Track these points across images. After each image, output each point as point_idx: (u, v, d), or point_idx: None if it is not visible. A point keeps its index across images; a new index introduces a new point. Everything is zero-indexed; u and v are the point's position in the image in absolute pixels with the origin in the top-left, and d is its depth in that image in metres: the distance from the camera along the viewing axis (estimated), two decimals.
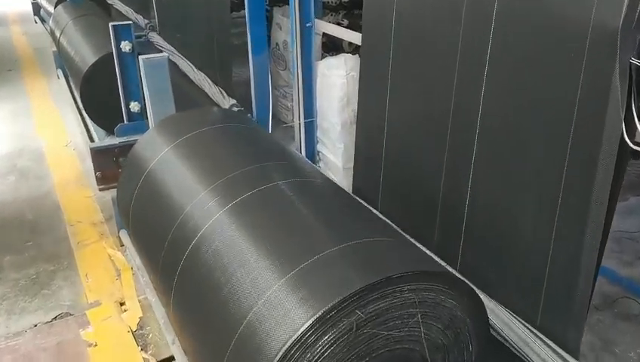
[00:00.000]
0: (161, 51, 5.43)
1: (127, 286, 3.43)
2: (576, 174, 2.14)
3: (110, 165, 4.31)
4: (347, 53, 4.19)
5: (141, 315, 3.18)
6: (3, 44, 9.49)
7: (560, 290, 2.32)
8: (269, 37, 5.23)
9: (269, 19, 5.34)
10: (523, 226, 2.43)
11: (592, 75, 1.97)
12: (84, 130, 5.13)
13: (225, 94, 4.56)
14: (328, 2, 5.80)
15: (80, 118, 5.31)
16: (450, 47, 2.64)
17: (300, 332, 1.56)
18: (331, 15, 5.57)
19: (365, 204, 3.22)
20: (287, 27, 5.03)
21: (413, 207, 3.06)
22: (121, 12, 7.23)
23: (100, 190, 4.27)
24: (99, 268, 3.62)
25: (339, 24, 4.88)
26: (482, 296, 2.58)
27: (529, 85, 2.28)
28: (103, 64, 4.72)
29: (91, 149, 4.34)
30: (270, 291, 1.72)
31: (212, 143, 2.81)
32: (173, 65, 5.18)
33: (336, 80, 3.77)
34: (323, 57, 4.25)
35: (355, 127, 3.67)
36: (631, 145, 1.84)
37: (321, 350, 1.60)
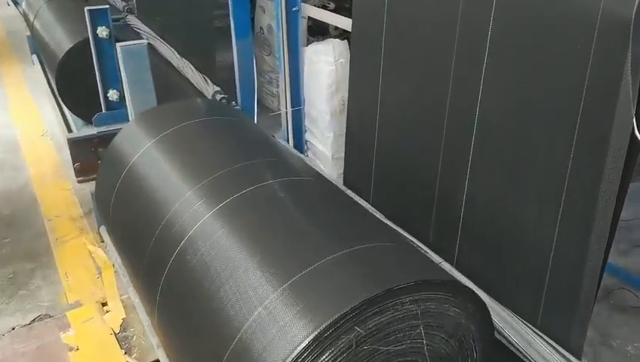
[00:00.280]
0: (140, 36, 5.23)
1: (109, 285, 3.29)
2: (582, 170, 2.04)
3: (89, 156, 4.15)
4: (333, 37, 4.04)
5: (124, 316, 3.05)
6: None
7: (563, 289, 2.23)
8: (252, 20, 5.05)
9: (253, 2, 5.15)
10: (524, 223, 2.33)
11: (600, 68, 1.86)
12: (61, 119, 4.92)
13: (208, 81, 4.40)
14: None
15: (57, 107, 5.09)
16: (447, 32, 2.50)
17: (297, 351, 1.44)
18: None
19: (360, 201, 3.11)
20: (271, 10, 4.85)
21: (407, 201, 2.95)
22: None
23: (79, 182, 4.11)
24: (79, 266, 3.47)
25: (324, 7, 4.71)
26: (480, 293, 2.50)
27: (532, 74, 2.17)
28: (79, 50, 4.51)
29: (68, 140, 4.17)
30: (264, 304, 1.60)
31: (197, 138, 2.66)
32: (153, 50, 4.98)
33: (324, 66, 3.63)
34: (308, 41, 4.09)
35: (344, 115, 3.54)
36: None
37: None
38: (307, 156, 4.00)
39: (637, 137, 1.76)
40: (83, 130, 4.50)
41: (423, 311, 1.59)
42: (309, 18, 3.91)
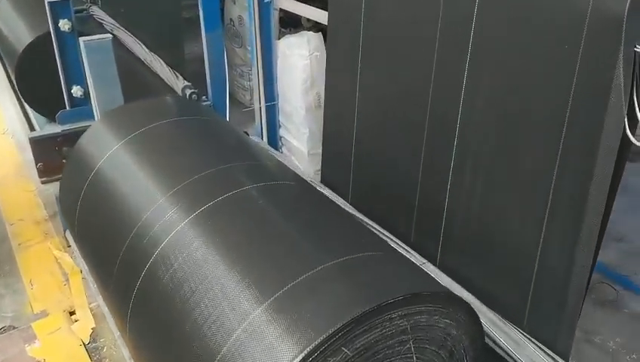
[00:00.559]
0: (104, 27, 5.01)
1: (77, 292, 3.13)
2: (570, 171, 1.98)
3: (53, 156, 3.97)
4: (306, 29, 3.93)
5: (94, 326, 2.90)
6: None
7: (550, 291, 2.18)
8: (222, 11, 4.89)
9: None
10: (509, 224, 2.27)
11: (589, 68, 1.79)
12: (23, 116, 4.69)
13: (178, 75, 4.24)
14: None
15: (18, 104, 4.86)
16: (429, 27, 2.41)
17: None
18: None
19: (338, 200, 3.02)
20: (242, 1, 4.70)
21: (387, 200, 2.87)
22: None
23: (43, 183, 3.94)
24: (44, 273, 3.30)
25: None
26: (465, 294, 2.44)
27: (517, 74, 2.10)
28: (40, 45, 4.29)
29: (30, 139, 3.99)
30: (242, 327, 1.50)
31: (168, 140, 2.53)
32: (118, 43, 4.78)
33: (299, 60, 3.51)
34: (280, 34, 3.97)
35: (320, 111, 3.44)
36: (635, 142, 1.68)
37: None
38: (282, 152, 3.89)
39: (629, 137, 1.71)
40: (46, 128, 4.29)
41: (412, 325, 1.52)
42: (281, 9, 3.79)
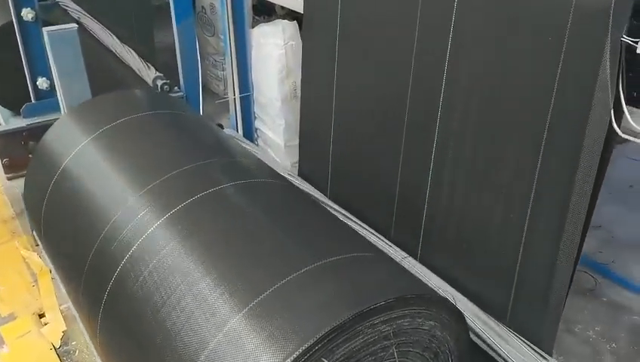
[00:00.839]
0: (69, 15, 4.84)
1: (47, 293, 3.02)
2: (554, 164, 1.93)
3: (19, 151, 3.79)
4: (280, 17, 3.81)
5: (65, 328, 2.80)
6: None
7: (533, 285, 2.15)
8: None
9: None
10: (491, 217, 2.23)
11: (574, 59, 1.74)
12: None
13: (149, 65, 4.10)
14: None
15: None
16: (409, 14, 2.34)
17: None
18: None
19: (317, 194, 2.95)
20: None
21: (366, 195, 2.80)
22: None
23: (9, 179, 3.76)
24: (12, 274, 3.17)
25: None
26: (446, 287, 2.40)
27: (498, 65, 2.04)
28: (4, 34, 4.10)
29: None
30: (221, 333, 1.42)
31: (139, 136, 2.42)
32: (85, 31, 4.62)
33: (274, 50, 3.41)
34: (254, 21, 3.85)
35: (296, 101, 3.36)
36: (621, 134, 1.64)
37: None
38: (257, 145, 3.80)
39: (615, 129, 1.67)
40: (11, 121, 4.11)
41: (395, 330, 1.46)
42: None
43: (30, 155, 3.57)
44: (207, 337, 1.44)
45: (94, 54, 4.52)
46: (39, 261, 3.22)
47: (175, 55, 3.89)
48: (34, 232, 3.26)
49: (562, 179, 1.90)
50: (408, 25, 2.34)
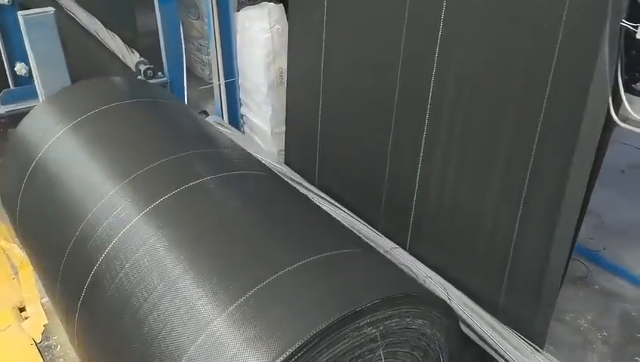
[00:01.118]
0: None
1: (27, 286, 2.94)
2: (550, 152, 1.87)
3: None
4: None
5: (46, 322, 2.73)
6: None
7: (526, 276, 2.10)
8: None
9: None
10: (483, 207, 2.17)
11: (572, 43, 1.67)
12: None
13: (132, 50, 3.98)
14: None
15: None
16: None
17: None
18: None
19: (304, 183, 2.88)
20: None
21: (355, 184, 2.74)
22: None
23: None
24: None
25: None
26: (436, 276, 2.35)
27: (492, 47, 1.97)
28: None
29: None
30: (201, 338, 1.35)
31: (118, 125, 2.32)
32: (64, 13, 4.48)
33: (259, 34, 3.31)
34: (239, 5, 3.73)
35: (283, 87, 3.27)
36: (620, 123, 1.57)
37: None
38: (243, 132, 3.71)
39: (612, 117, 1.60)
40: None
41: (383, 332, 1.40)
42: None
43: None
44: (187, 342, 1.38)
45: (76, 38, 4.39)
46: (20, 253, 3.13)
47: (158, 39, 3.78)
48: None
49: (557, 169, 1.84)
50: (398, 5, 2.25)
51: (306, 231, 1.75)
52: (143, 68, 3.84)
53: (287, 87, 2.99)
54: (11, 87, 3.74)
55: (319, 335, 1.26)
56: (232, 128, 3.50)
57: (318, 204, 2.75)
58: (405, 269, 2.40)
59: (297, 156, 3.04)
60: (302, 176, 2.94)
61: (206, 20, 3.86)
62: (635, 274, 3.07)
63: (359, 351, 1.39)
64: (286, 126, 3.06)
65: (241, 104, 3.66)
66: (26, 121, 2.51)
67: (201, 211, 1.79)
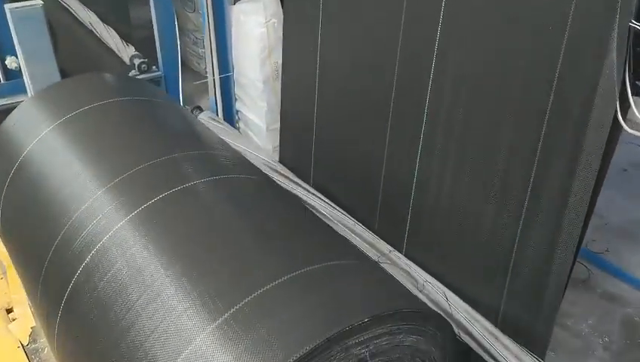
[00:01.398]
0: None
1: (16, 287, 2.86)
2: (556, 152, 1.78)
3: None
4: None
5: (33, 324, 2.66)
6: None
7: (528, 282, 2.02)
8: None
9: None
10: (483, 209, 2.09)
11: (579, 44, 1.58)
12: None
13: (126, 44, 3.90)
14: None
15: None
16: None
17: None
18: None
19: (299, 181, 2.80)
20: None
21: (350, 185, 2.66)
22: None
23: None
24: None
25: None
26: (434, 281, 2.28)
27: (494, 46, 1.88)
28: None
29: None
30: (188, 349, 1.28)
31: (106, 124, 2.25)
32: (56, 4, 4.38)
33: (255, 29, 3.22)
34: None
35: (279, 82, 3.18)
36: (626, 128, 1.49)
37: None
38: (238, 127, 3.63)
39: (619, 121, 1.52)
40: None
41: (372, 351, 1.33)
42: None
43: None
44: (169, 359, 1.31)
45: (69, 31, 4.30)
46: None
47: (152, 32, 3.69)
48: None
49: (562, 171, 1.76)
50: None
51: (297, 241, 1.67)
52: (137, 62, 3.76)
53: (281, 85, 2.91)
54: (2, 81, 3.66)
55: (305, 358, 1.19)
56: (227, 124, 3.42)
57: (313, 203, 2.68)
58: (403, 273, 2.33)
59: (292, 155, 2.96)
60: (296, 175, 2.86)
61: (202, 16, 3.77)
62: (639, 278, 3.00)
63: None
64: (280, 124, 2.98)
65: (236, 99, 3.58)
66: (11, 118, 2.43)
67: (187, 218, 1.72)
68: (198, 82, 3.78)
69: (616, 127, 1.56)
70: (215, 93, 3.53)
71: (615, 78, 1.48)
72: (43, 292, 1.83)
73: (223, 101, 3.55)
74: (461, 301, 2.18)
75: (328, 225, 1.94)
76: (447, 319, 1.96)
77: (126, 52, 3.89)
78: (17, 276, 2.92)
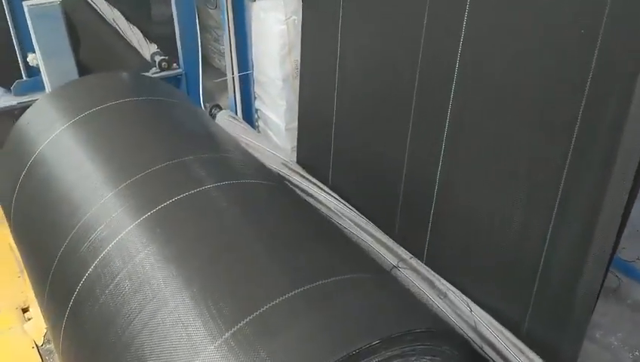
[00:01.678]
0: None
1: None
2: (588, 157, 1.68)
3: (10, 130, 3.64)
4: None
5: None
6: None
7: (556, 293, 1.91)
8: None
9: None
10: (509, 216, 1.99)
11: (610, 50, 1.48)
12: None
13: (147, 40, 3.88)
14: None
15: None
16: None
17: None
18: None
19: (317, 183, 2.72)
20: None
21: (370, 187, 2.57)
22: None
23: None
24: None
25: None
26: (454, 292, 2.18)
27: (522, 48, 1.78)
28: None
29: None
30: (203, 354, 1.22)
31: (121, 124, 2.21)
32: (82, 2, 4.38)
33: (275, 26, 3.16)
34: None
35: (298, 81, 3.11)
36: None
37: None
38: (257, 126, 3.57)
39: None
40: (2, 99, 3.94)
41: None
42: None
43: None
44: (191, 354, 1.25)
45: (92, 27, 4.30)
46: None
47: (173, 29, 3.67)
48: None
49: (596, 177, 1.65)
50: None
51: (307, 253, 1.59)
52: (157, 59, 3.74)
53: (299, 83, 2.84)
54: (24, 78, 3.68)
55: None
56: (245, 123, 3.36)
57: (331, 205, 2.61)
58: (424, 281, 2.24)
59: (310, 155, 2.89)
60: (314, 175, 2.79)
61: (221, 12, 3.72)
62: None
63: None
64: (298, 124, 2.91)
65: (255, 98, 3.52)
66: (25, 117, 2.41)
67: (198, 224, 1.66)
68: (219, 80, 3.73)
69: None
70: (234, 92, 3.48)
71: None
72: (50, 296, 1.79)
73: (242, 99, 3.50)
74: (484, 312, 2.08)
75: (343, 234, 1.86)
76: (468, 333, 1.87)
77: (148, 49, 3.87)
78: None
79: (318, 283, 1.37)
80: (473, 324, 2.01)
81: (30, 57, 3.61)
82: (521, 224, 1.95)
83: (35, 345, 2.56)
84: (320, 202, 2.64)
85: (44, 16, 2.76)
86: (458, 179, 2.15)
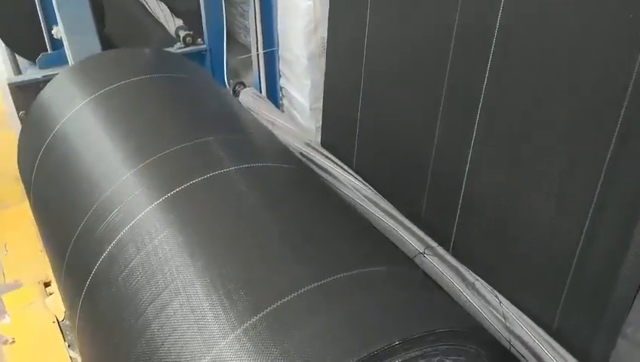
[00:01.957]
0: None
1: None
2: (630, 152, 1.57)
3: None
4: None
5: None
6: None
7: (590, 286, 1.81)
8: None
9: None
10: (544, 205, 1.88)
11: None
12: (8, 58, 4.33)
13: (173, 15, 3.82)
14: None
15: (3, 44, 4.49)
16: None
17: None
18: None
19: (341, 164, 2.64)
20: None
21: (396, 169, 2.49)
22: None
23: None
24: (21, 237, 3.03)
25: None
26: (483, 284, 2.10)
27: (564, 29, 1.67)
28: None
29: (10, 85, 3.62)
30: (214, 351, 1.17)
31: (142, 101, 2.15)
32: None
33: (301, 2, 3.05)
34: None
35: (325, 59, 3.01)
36: None
37: None
38: (282, 104, 3.49)
39: None
40: (28, 72, 3.94)
41: None
42: None
43: None
44: (208, 344, 1.21)
45: (118, 1, 4.26)
46: None
47: (198, 3, 3.59)
48: None
49: (635, 175, 1.54)
50: None
51: (329, 243, 1.52)
52: (182, 34, 3.68)
53: (326, 62, 2.74)
54: (49, 51, 3.66)
55: None
56: (269, 102, 3.29)
57: (355, 187, 2.53)
58: (451, 270, 2.17)
59: (335, 137, 2.81)
60: (339, 157, 2.71)
61: None
62: None
63: None
64: (323, 104, 2.82)
65: (280, 76, 3.44)
66: (45, 91, 2.37)
67: (215, 210, 1.60)
68: (244, 57, 3.65)
69: None
70: (259, 69, 3.40)
71: None
72: (67, 276, 1.77)
73: (266, 77, 3.42)
74: (512, 305, 2.00)
75: (366, 221, 1.78)
76: (496, 326, 1.79)
77: (174, 24, 3.81)
78: None
79: (338, 275, 1.30)
80: (502, 317, 1.93)
81: (55, 30, 3.59)
82: (553, 218, 1.85)
83: (55, 320, 2.56)
84: (343, 184, 2.57)
85: None
86: (489, 167, 2.05)
